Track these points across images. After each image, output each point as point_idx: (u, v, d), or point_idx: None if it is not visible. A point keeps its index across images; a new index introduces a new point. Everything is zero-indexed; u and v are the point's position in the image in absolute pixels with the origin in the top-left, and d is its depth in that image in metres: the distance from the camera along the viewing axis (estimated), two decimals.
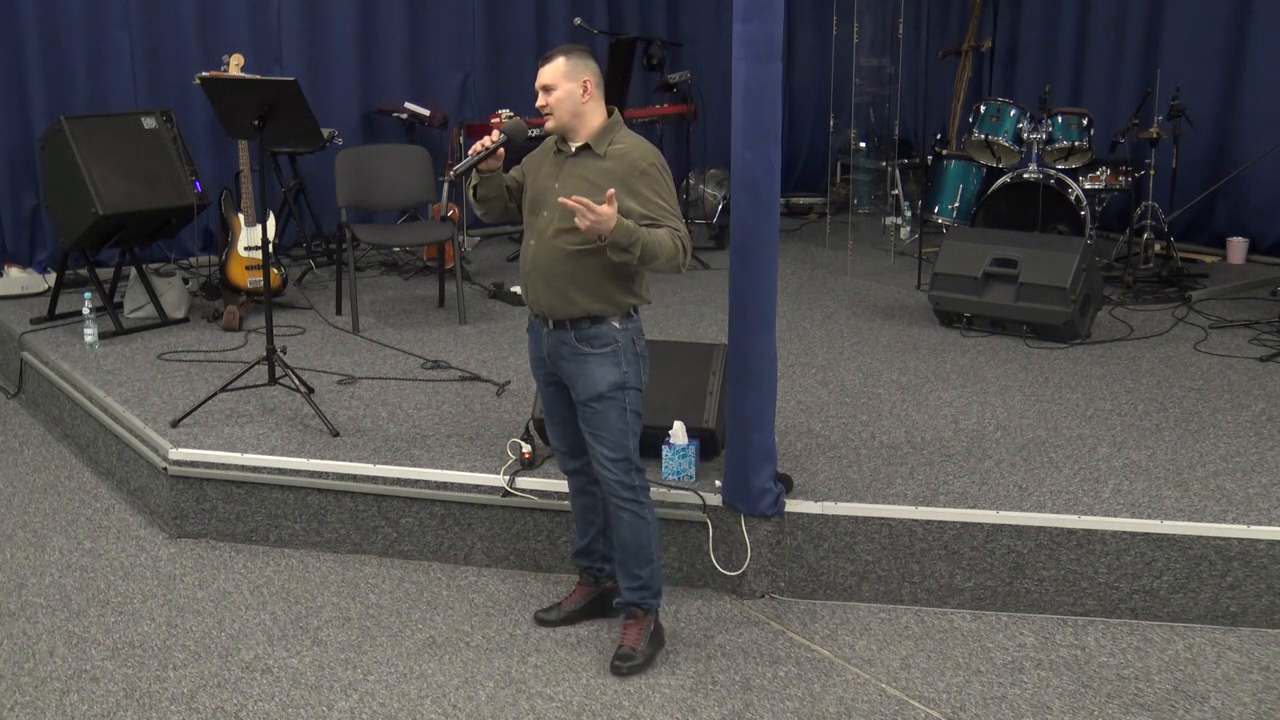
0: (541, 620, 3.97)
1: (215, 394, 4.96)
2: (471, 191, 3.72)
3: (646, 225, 3.45)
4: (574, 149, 3.59)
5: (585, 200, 3.32)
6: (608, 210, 3.32)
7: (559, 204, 3.45)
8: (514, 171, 3.78)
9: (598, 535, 3.93)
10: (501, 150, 3.63)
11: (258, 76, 6.09)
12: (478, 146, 3.61)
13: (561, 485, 4.25)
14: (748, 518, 4.08)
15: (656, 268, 3.49)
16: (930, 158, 7.78)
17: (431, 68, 8.33)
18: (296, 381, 4.98)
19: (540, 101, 3.57)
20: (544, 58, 3.58)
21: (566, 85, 3.53)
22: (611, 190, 3.37)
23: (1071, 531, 3.99)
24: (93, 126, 6.16)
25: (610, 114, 3.62)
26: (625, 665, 3.71)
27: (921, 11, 9.19)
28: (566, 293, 3.56)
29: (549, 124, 3.60)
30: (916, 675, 3.70)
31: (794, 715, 3.49)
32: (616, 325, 3.59)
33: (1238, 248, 7.80)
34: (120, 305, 6.35)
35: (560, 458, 3.89)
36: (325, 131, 7.05)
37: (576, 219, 3.34)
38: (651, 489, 4.01)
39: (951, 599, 4.09)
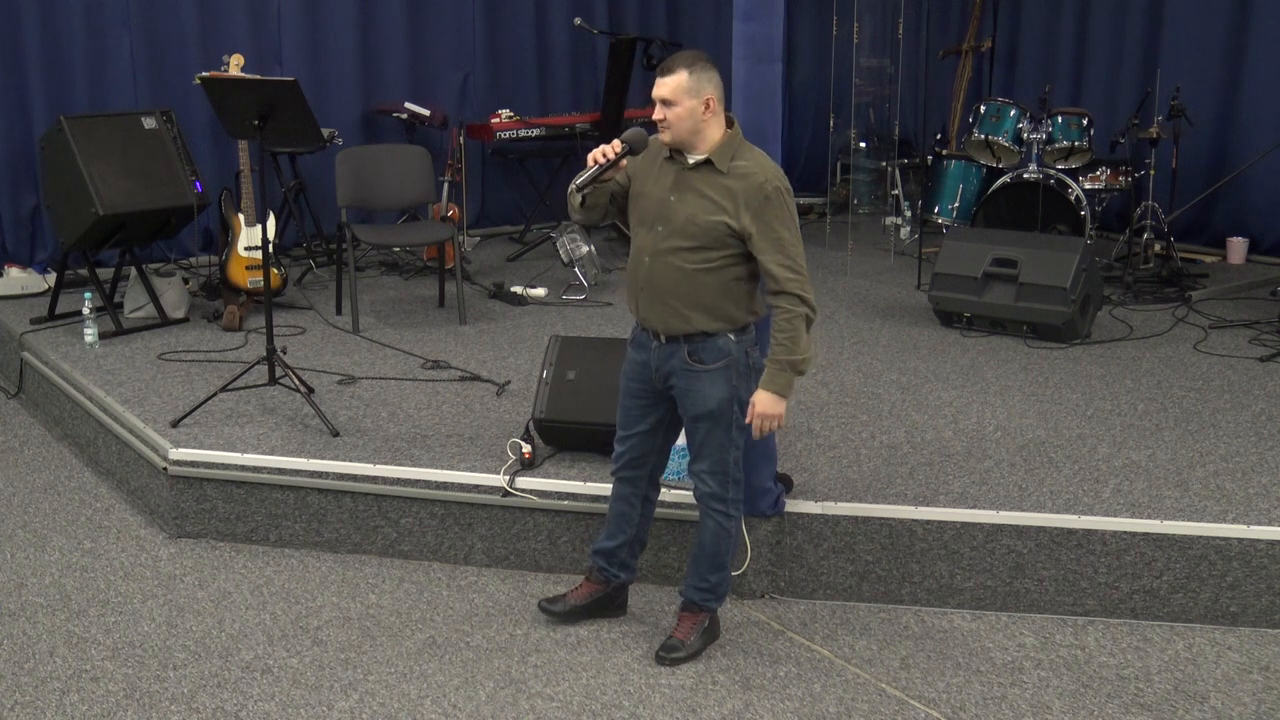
0: (544, 608, 3.92)
1: (215, 394, 4.96)
2: (579, 200, 3.57)
3: (764, 253, 3.43)
4: (692, 162, 3.45)
5: (756, 423, 3.46)
6: (764, 410, 3.43)
7: (679, 228, 3.40)
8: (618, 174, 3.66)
9: (625, 544, 3.87)
10: (624, 162, 3.50)
11: (258, 76, 6.09)
12: (599, 156, 3.46)
13: (561, 485, 4.26)
14: (748, 518, 4.07)
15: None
16: (930, 158, 7.78)
17: (431, 68, 8.32)
18: (296, 381, 4.98)
19: (658, 115, 3.40)
20: (663, 67, 3.39)
21: (689, 102, 3.36)
22: (753, 403, 3.45)
23: (1071, 531, 3.99)
24: (93, 126, 6.15)
25: (730, 124, 3.47)
26: (669, 656, 3.71)
27: (921, 11, 9.19)
28: (683, 312, 3.46)
29: (664, 137, 3.44)
30: (916, 675, 3.70)
31: (794, 715, 3.49)
32: (732, 339, 3.50)
33: (1238, 248, 7.80)
34: (120, 305, 6.35)
35: (615, 461, 3.80)
36: (325, 131, 7.05)
37: (757, 427, 3.45)
38: (670, 492, 4.01)
39: (951, 599, 4.09)
